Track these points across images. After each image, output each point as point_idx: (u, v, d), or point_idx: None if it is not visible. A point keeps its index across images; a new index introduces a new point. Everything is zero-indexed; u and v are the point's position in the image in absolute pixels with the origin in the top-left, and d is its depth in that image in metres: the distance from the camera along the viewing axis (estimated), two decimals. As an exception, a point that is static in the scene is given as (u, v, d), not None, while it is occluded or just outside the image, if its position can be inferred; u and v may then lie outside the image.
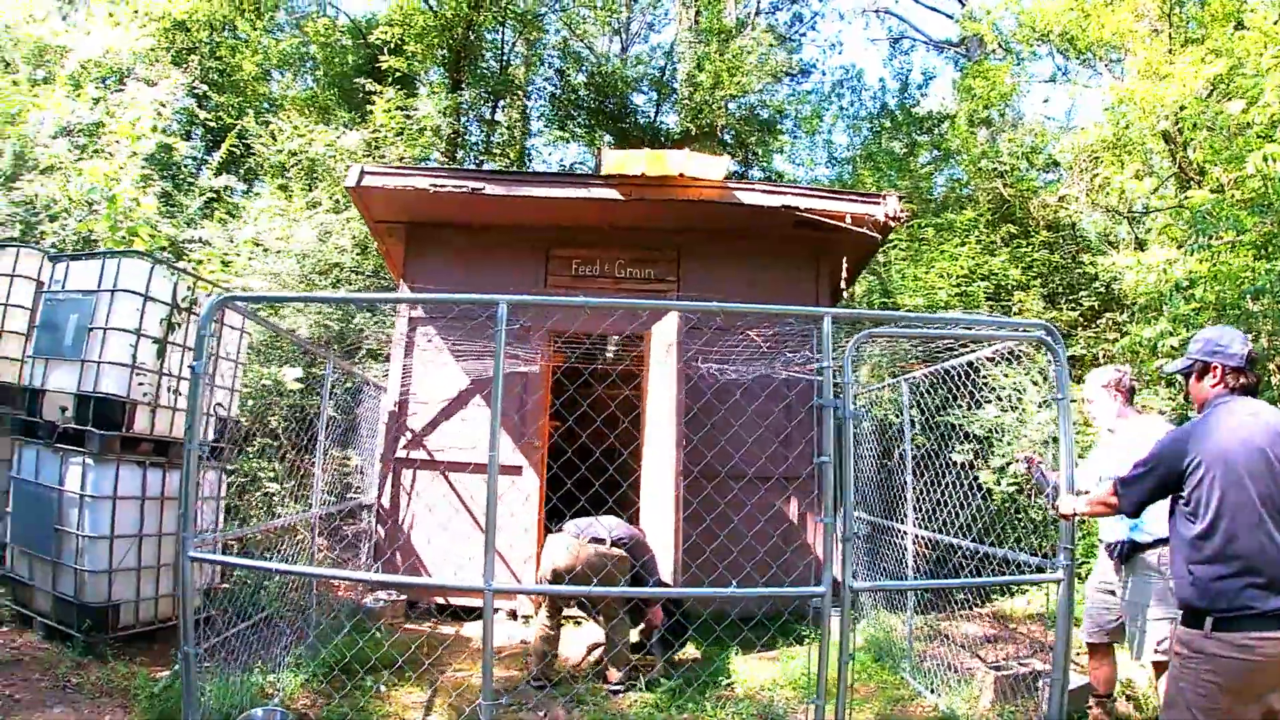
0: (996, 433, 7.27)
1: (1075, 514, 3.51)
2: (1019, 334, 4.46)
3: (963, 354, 4.85)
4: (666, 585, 5.51)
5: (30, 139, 9.48)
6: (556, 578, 5.13)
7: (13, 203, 8.76)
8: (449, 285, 7.14)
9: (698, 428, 6.10)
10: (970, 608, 6.76)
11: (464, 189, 6.96)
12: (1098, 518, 4.21)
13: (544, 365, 7.16)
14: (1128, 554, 4.17)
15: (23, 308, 6.24)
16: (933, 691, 4.97)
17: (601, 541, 5.21)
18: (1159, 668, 4.21)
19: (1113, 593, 4.29)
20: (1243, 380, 3.08)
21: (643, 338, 7.08)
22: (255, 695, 4.28)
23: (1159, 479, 3.06)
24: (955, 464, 5.48)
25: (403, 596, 6.66)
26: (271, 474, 7.75)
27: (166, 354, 5.39)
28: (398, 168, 7.52)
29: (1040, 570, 4.12)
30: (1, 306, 6.21)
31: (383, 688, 4.75)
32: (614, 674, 5.13)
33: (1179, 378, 3.78)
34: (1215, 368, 3.11)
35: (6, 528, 5.44)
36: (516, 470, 7.08)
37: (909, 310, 10.73)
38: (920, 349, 5.57)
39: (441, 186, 6.94)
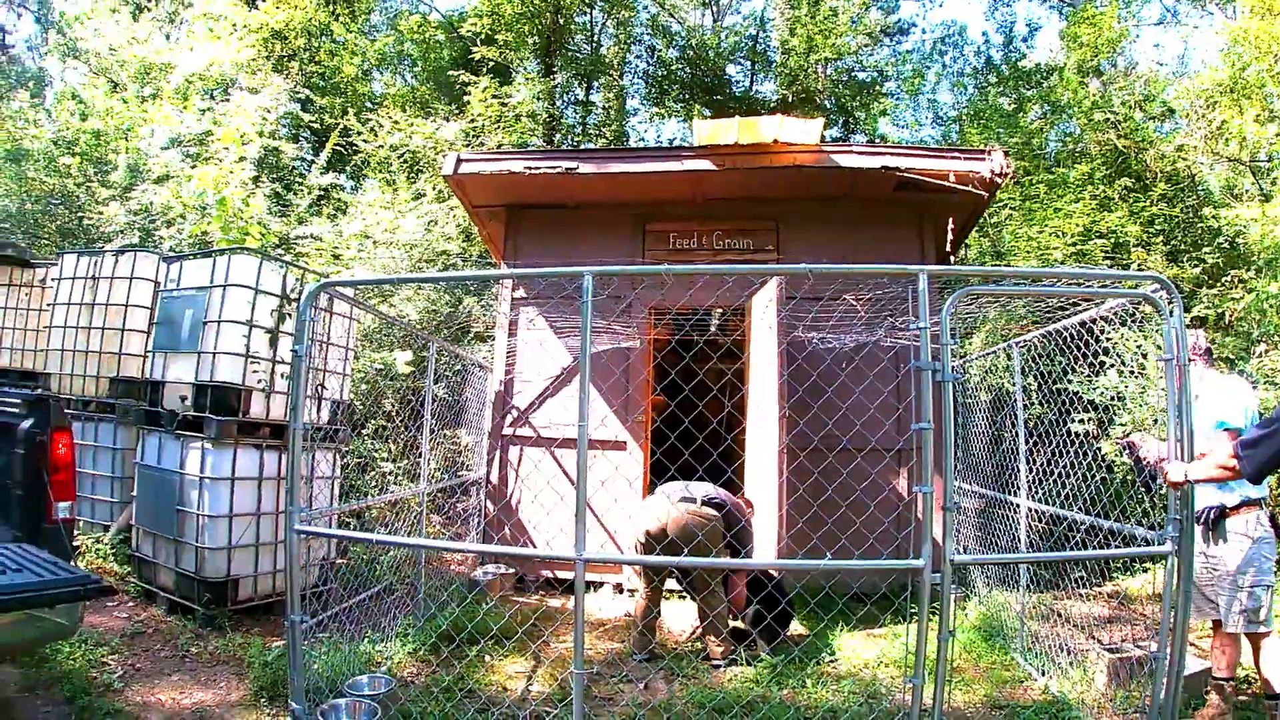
0: (1119, 400, 6.82)
1: (1187, 480, 3.18)
2: (1127, 291, 4.05)
3: (1075, 313, 4.54)
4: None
5: (142, 152, 10.10)
6: (649, 539, 5.08)
7: (131, 212, 9.34)
8: (548, 264, 7.10)
9: (801, 398, 5.86)
10: (1088, 586, 6.39)
11: (557, 169, 7.00)
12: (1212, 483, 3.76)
13: (647, 341, 7.14)
14: (1215, 519, 3.88)
15: (142, 307, 6.68)
16: (1043, 674, 4.72)
17: (692, 500, 5.11)
18: (1256, 639, 3.91)
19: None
20: None
21: (744, 311, 6.96)
22: (364, 664, 4.45)
23: None
24: (1073, 434, 5.17)
25: (511, 570, 6.80)
26: (385, 454, 8.04)
27: (278, 343, 5.64)
28: (492, 153, 7.61)
29: (1148, 543, 3.75)
30: (123, 307, 6.65)
31: (487, 657, 4.86)
32: (714, 648, 5.04)
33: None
34: None
35: (133, 511, 5.84)
36: (621, 445, 7.11)
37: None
38: (1030, 309, 5.26)
39: (535, 168, 7.01)
